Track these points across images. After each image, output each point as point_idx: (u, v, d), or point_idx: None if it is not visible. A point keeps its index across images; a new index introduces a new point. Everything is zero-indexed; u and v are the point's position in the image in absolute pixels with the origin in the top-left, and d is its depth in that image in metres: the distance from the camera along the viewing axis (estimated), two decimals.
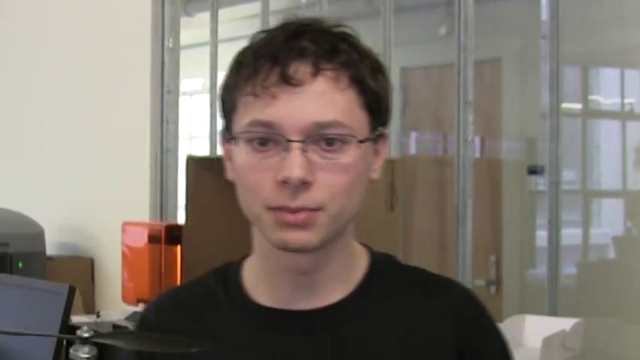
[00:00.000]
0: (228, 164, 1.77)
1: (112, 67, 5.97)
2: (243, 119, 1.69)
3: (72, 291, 2.93)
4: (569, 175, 4.89)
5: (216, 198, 4.09)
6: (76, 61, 6.19)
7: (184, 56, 5.85)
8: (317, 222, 1.67)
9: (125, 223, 4.42)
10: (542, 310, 4.10)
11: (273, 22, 5.36)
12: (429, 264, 5.56)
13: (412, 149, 6.13)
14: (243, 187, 1.71)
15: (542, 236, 4.51)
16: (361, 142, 1.68)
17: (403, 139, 5.91)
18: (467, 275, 4.31)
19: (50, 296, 2.92)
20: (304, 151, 1.65)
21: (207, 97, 5.74)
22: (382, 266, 1.84)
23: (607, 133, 5.51)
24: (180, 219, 5.10)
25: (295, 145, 1.64)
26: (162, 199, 5.58)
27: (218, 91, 1.79)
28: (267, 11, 5.20)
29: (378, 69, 1.74)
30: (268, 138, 1.67)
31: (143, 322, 1.89)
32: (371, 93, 1.71)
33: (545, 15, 4.30)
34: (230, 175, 1.76)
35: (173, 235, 4.55)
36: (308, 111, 1.66)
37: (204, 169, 4.43)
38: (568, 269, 4.86)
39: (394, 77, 4.74)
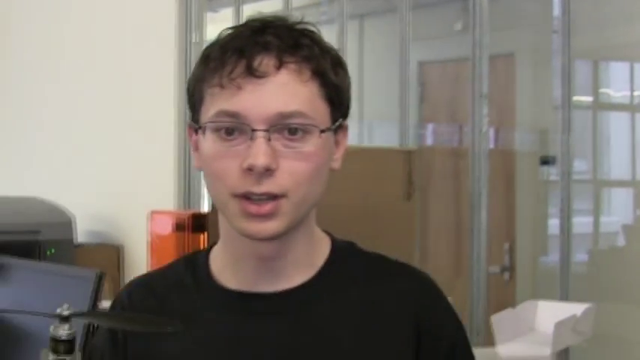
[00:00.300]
0: (195, 154, 1.82)
1: (140, 61, 6.01)
2: (210, 110, 1.74)
3: (101, 277, 2.96)
4: (580, 166, 4.91)
5: None
6: (104, 55, 6.23)
7: None
8: (281, 210, 1.72)
9: (152, 212, 4.47)
10: (554, 296, 4.13)
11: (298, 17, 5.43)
12: (445, 251, 5.46)
13: (429, 140, 6.16)
14: (210, 176, 1.75)
15: (554, 224, 4.52)
16: (322, 131, 1.73)
17: (420, 130, 5.94)
18: (481, 262, 4.32)
19: (79, 282, 2.96)
20: (268, 139, 1.69)
21: None
22: (343, 252, 1.89)
23: (617, 124, 5.61)
24: (205, 207, 5.19)
25: (260, 134, 1.69)
26: (187, 187, 5.53)
27: (185, 84, 1.84)
28: (289, 7, 5.18)
29: (338, 64, 1.80)
30: (234, 127, 1.71)
31: (115, 305, 1.94)
32: (332, 86, 1.76)
33: (556, 11, 4.32)
34: (197, 164, 1.81)
35: (198, 223, 4.51)
36: (272, 101, 1.70)
37: None
38: (579, 256, 4.88)
39: (412, 71, 4.73)
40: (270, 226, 1.72)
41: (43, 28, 7.12)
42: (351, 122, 5.28)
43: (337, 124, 1.78)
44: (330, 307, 1.82)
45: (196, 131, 1.80)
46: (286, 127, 1.70)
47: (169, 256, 4.66)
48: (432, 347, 1.82)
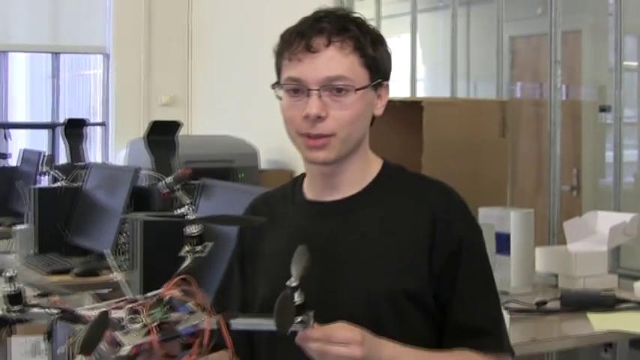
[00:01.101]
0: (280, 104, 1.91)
1: None
2: (283, 75, 1.86)
3: None
4: (628, 112, 4.72)
5: (380, 128, 4.51)
6: (276, 29, 6.26)
7: None
8: (330, 145, 1.81)
9: None
10: (609, 208, 4.13)
11: (421, 4, 5.36)
12: (529, 175, 5.36)
13: (517, 94, 5.99)
14: (285, 120, 1.86)
15: (609, 155, 4.65)
16: (357, 89, 1.82)
17: (511, 87, 5.66)
18: (556, 183, 4.40)
19: None
20: (319, 96, 1.80)
21: None
22: (390, 173, 1.95)
23: None
24: None
25: (313, 92, 1.80)
26: None
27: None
28: None
29: (377, 41, 1.87)
30: (297, 88, 1.82)
31: (248, 208, 2.05)
32: (369, 57, 1.85)
33: None
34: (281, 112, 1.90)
35: None
36: (322, 69, 1.80)
37: None
38: (627, 179, 4.83)
39: (505, 44, 4.83)
40: (323, 155, 1.82)
41: (241, 16, 7.07)
42: (460, 81, 5.52)
43: (375, 83, 1.86)
44: (369, 212, 1.89)
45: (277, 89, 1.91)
46: (332, 87, 1.81)
47: None
48: (444, 240, 1.84)
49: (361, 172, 1.92)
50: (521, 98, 6.05)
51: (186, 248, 1.87)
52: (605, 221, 3.66)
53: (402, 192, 1.91)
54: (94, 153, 8.05)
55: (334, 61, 1.81)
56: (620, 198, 4.18)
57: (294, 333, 1.61)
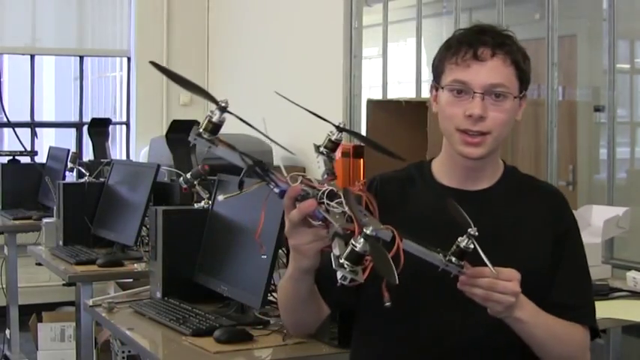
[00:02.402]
0: (434, 103, 2.02)
1: (316, 42, 6.05)
2: (448, 77, 1.96)
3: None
4: (621, 112, 4.77)
5: (386, 126, 4.36)
6: (293, 36, 6.23)
7: (365, 33, 5.85)
8: (485, 142, 1.93)
9: None
10: (603, 202, 4.14)
11: (425, 10, 5.36)
12: (527, 171, 5.29)
13: None
14: (444, 116, 1.97)
15: (603, 152, 4.60)
16: (515, 97, 1.95)
17: None
18: (553, 178, 4.42)
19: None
20: (482, 99, 1.91)
21: (380, 60, 5.80)
22: (512, 171, 2.09)
23: None
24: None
25: (478, 95, 1.91)
26: (351, 126, 5.46)
27: (432, 61, 2.05)
28: (421, 2, 5.30)
29: (526, 57, 2.00)
30: (462, 89, 1.93)
31: (370, 184, 2.07)
32: (521, 70, 1.97)
33: (605, 4, 4.27)
34: (434, 109, 2.02)
35: (358, 152, 4.63)
36: (487, 76, 1.91)
37: (379, 109, 4.62)
38: (620, 174, 4.86)
39: None
40: (478, 151, 1.94)
41: (257, 19, 7.04)
42: None
43: (522, 94, 1.99)
44: (502, 201, 2.02)
45: (437, 89, 2.01)
46: (494, 92, 1.92)
47: (338, 175, 4.65)
48: (557, 228, 2.00)
49: (494, 169, 2.05)
50: None
51: None
52: (600, 214, 3.67)
53: (525, 189, 2.06)
54: (117, 150, 8.06)
55: (497, 70, 1.92)
56: (613, 193, 4.19)
57: (449, 274, 1.74)
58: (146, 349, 2.74)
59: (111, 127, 6.39)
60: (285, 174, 1.70)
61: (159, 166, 4.19)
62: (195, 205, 3.64)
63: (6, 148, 7.51)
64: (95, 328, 4.04)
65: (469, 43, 1.94)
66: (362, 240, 1.55)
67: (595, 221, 3.67)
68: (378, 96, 5.74)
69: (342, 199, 1.62)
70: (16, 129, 5.28)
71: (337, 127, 1.74)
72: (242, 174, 1.74)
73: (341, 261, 1.56)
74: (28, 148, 5.89)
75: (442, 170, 2.06)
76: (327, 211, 1.64)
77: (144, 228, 4.04)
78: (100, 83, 9.81)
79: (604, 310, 3.02)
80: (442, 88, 1.97)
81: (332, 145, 1.76)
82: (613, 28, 4.17)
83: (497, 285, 1.75)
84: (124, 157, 7.85)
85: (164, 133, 5.27)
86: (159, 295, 3.17)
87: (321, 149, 1.76)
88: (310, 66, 6.11)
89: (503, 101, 1.92)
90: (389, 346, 2.02)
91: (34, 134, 7.29)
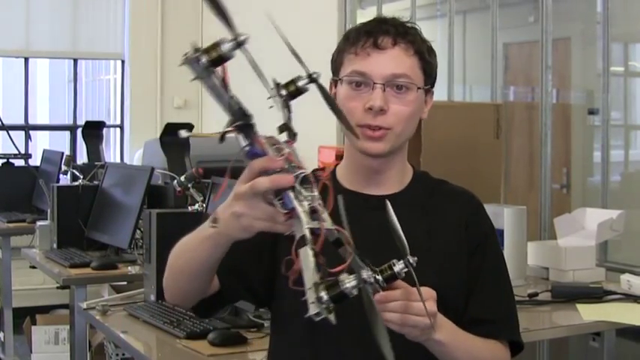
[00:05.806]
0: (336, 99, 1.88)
1: (310, 44, 5.61)
2: (347, 69, 1.84)
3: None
4: (615, 115, 4.75)
5: None
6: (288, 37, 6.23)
7: None
8: (386, 137, 1.81)
9: (320, 146, 4.29)
10: (597, 204, 4.11)
11: (419, 13, 5.36)
12: (522, 174, 5.34)
13: (511, 97, 6.01)
14: (345, 110, 1.77)
15: (597, 155, 4.54)
16: (418, 89, 1.83)
17: (505, 90, 5.70)
18: (547, 181, 4.36)
19: None
20: (383, 90, 1.80)
21: None
22: (421, 177, 1.97)
23: None
24: None
25: (378, 86, 1.79)
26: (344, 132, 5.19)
27: (332, 55, 1.91)
28: (415, 5, 5.26)
29: (431, 50, 1.89)
30: (362, 81, 1.81)
31: None
32: (426, 62, 1.86)
33: (599, 7, 4.30)
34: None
35: None
36: (388, 66, 1.81)
37: None
38: (614, 177, 4.85)
39: (499, 50, 4.80)
40: (379, 147, 1.82)
41: (250, 22, 7.03)
42: (457, 85, 5.45)
43: (427, 87, 1.88)
44: (411, 209, 1.87)
45: (335, 83, 1.88)
46: (396, 83, 1.81)
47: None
48: (473, 237, 1.89)
49: (401, 173, 1.93)
50: (515, 101, 6.05)
51: None
52: (594, 217, 3.66)
53: (435, 195, 1.93)
54: (111, 153, 8.05)
55: (399, 60, 1.82)
56: (607, 195, 4.17)
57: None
58: (140, 352, 2.74)
59: (105, 130, 6.41)
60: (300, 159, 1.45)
61: (153, 169, 4.18)
62: (189, 207, 3.67)
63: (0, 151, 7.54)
64: (89, 330, 4.03)
65: (369, 32, 1.84)
66: (354, 282, 1.37)
67: (589, 224, 3.66)
68: None
69: (313, 189, 1.41)
70: (9, 132, 5.27)
71: (309, 75, 1.53)
72: (226, 124, 1.50)
73: (324, 298, 1.34)
74: (22, 151, 5.86)
75: (344, 173, 1.95)
76: (297, 198, 1.40)
77: (138, 231, 4.03)
78: (94, 86, 9.81)
79: (598, 312, 3.04)
80: (340, 80, 1.85)
81: (295, 91, 1.53)
82: (607, 31, 4.17)
83: (412, 307, 1.55)
84: (118, 160, 7.84)
85: (158, 136, 5.27)
86: (153, 297, 3.16)
87: (281, 90, 1.52)
88: (308, 64, 6.06)
89: (406, 93, 1.82)
90: None
91: (27, 137, 7.24)
